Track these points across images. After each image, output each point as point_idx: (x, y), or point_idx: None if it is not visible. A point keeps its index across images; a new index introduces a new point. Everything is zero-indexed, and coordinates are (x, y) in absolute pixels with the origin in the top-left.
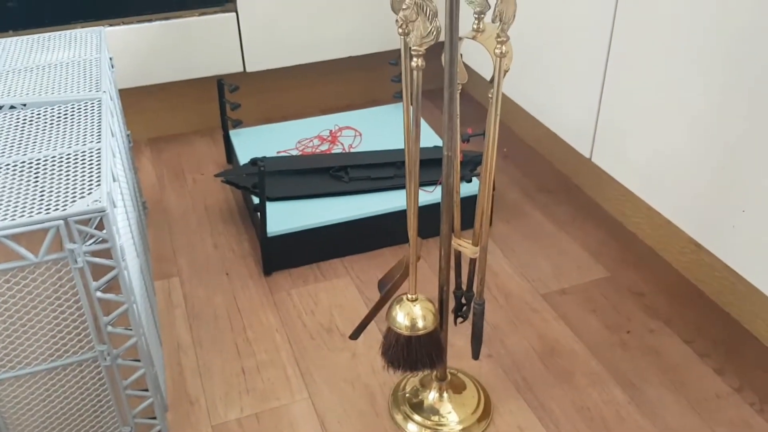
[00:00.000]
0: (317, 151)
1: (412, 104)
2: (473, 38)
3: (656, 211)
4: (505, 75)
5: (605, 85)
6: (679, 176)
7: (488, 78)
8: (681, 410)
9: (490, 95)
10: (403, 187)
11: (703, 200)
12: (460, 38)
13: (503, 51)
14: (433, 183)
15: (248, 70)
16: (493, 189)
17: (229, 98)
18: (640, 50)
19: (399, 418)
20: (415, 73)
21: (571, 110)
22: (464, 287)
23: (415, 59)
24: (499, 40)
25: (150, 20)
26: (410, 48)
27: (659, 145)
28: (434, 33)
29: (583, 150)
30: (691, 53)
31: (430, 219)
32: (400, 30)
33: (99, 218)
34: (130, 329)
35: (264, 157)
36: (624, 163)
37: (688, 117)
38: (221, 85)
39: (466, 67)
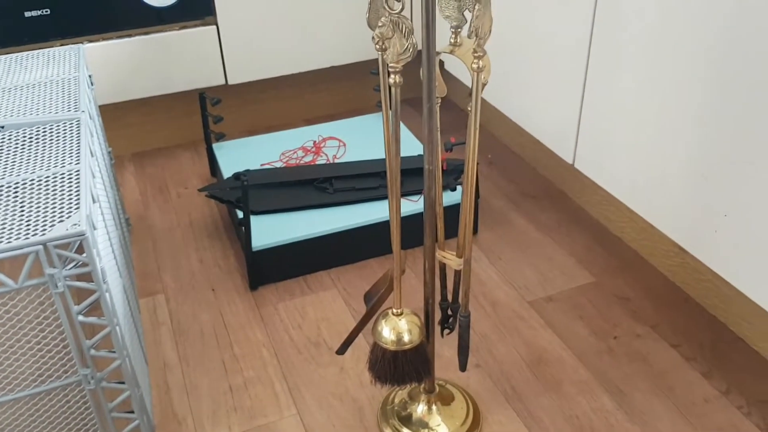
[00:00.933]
0: (301, 162)
1: (391, 118)
2: (450, 52)
3: (639, 215)
4: (483, 88)
5: (585, 91)
6: (660, 181)
7: (469, 86)
8: (670, 416)
9: (469, 108)
10: (387, 197)
11: (685, 204)
12: (438, 53)
13: (480, 66)
14: (418, 192)
15: (230, 82)
16: (478, 196)
17: (212, 111)
18: (619, 56)
19: (388, 431)
20: (393, 89)
21: (553, 117)
22: (450, 299)
23: (393, 76)
24: (475, 55)
25: (130, 35)
26: (388, 65)
27: (641, 150)
28: (411, 50)
29: (565, 156)
30: (671, 60)
31: (415, 229)
32: (377, 47)
33: (79, 242)
34: (114, 352)
35: (248, 170)
36: (606, 169)
37: (669, 122)
38: (203, 98)
39: (447, 74)
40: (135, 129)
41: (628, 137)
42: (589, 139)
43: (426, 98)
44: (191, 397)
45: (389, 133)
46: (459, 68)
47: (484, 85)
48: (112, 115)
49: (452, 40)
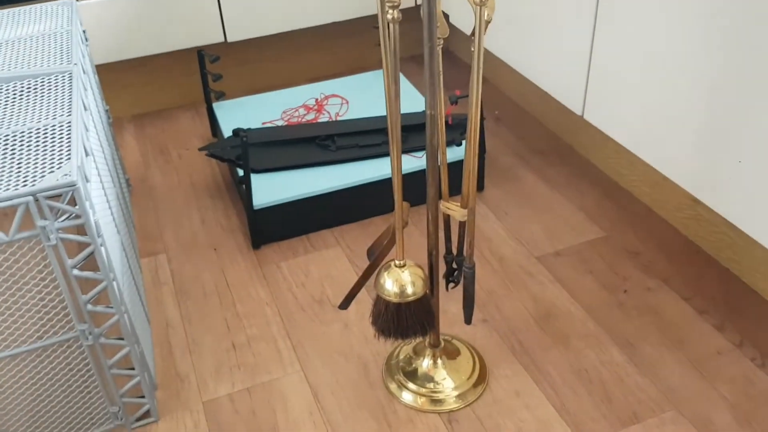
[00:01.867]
0: (303, 120)
1: (390, 59)
2: None
3: (652, 167)
4: (487, 26)
5: (595, 38)
6: (673, 130)
7: (470, 32)
8: (681, 368)
9: (472, 49)
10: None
11: (699, 153)
12: None
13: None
14: (422, 148)
15: (229, 40)
16: (484, 152)
17: (211, 69)
18: (629, 1)
19: (393, 387)
20: (392, 26)
21: (561, 67)
22: (455, 252)
23: (390, 11)
24: None
25: None
26: (386, 0)
27: (652, 98)
28: None
29: (574, 108)
30: (684, 3)
31: (419, 185)
32: None
33: (70, 193)
34: (112, 307)
35: (248, 129)
36: (617, 119)
37: (681, 68)
38: (201, 56)
39: (453, 28)
40: (134, 90)
41: (638, 86)
42: (599, 89)
43: (427, 38)
44: (194, 355)
45: (388, 74)
46: (461, 18)
47: (487, 23)
48: (111, 76)
49: None
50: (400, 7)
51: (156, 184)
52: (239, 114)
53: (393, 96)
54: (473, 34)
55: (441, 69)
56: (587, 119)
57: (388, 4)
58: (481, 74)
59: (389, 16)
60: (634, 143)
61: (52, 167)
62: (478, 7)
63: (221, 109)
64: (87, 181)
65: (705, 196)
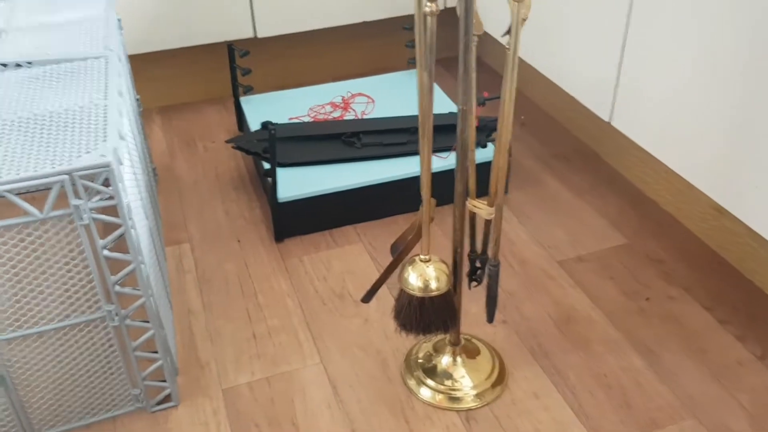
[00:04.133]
0: (329, 117)
1: (426, 53)
2: None
3: (677, 175)
4: (523, 24)
5: (626, 45)
6: (701, 137)
7: (504, 31)
8: (701, 377)
9: (507, 45)
10: (416, 153)
11: (725, 161)
12: None
13: None
14: (448, 149)
15: (259, 35)
16: (509, 155)
17: (240, 63)
18: (662, 8)
19: (412, 383)
20: (428, 19)
21: (591, 72)
22: (479, 250)
23: (428, 5)
24: None
25: None
26: None
27: (681, 105)
28: None
29: (602, 113)
30: (714, 11)
31: (444, 185)
32: None
33: (105, 174)
34: (139, 289)
35: (276, 123)
36: (644, 126)
37: (710, 76)
38: (231, 49)
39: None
40: (163, 83)
41: (667, 93)
42: (628, 96)
43: (463, 32)
44: (215, 343)
45: (422, 63)
46: (491, 24)
47: (524, 20)
48: (140, 67)
49: None
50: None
51: (181, 175)
52: (266, 109)
53: (426, 90)
54: (508, 32)
55: (475, 65)
56: (615, 125)
57: None
58: (516, 70)
59: (427, 9)
60: (660, 150)
61: (88, 148)
62: (516, 3)
63: (248, 103)
64: (120, 163)
65: (730, 205)
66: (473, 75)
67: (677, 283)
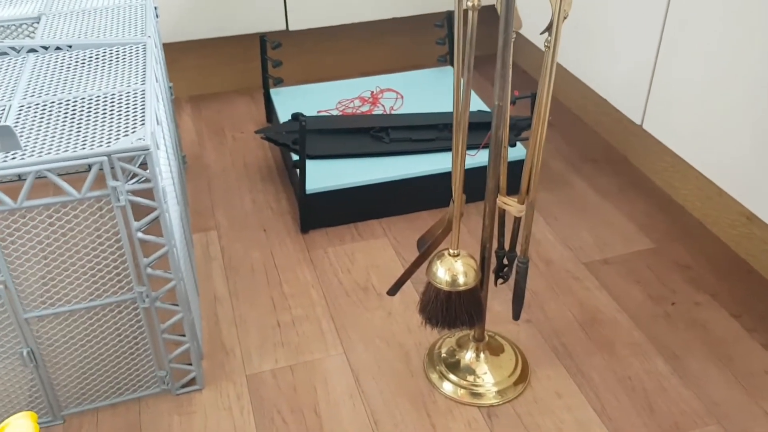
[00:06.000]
0: (358, 112)
1: (467, 48)
2: None
3: (707, 181)
4: (564, 20)
5: (661, 46)
6: (733, 142)
7: (543, 28)
8: (726, 384)
9: (546, 43)
10: (444, 149)
11: (758, 168)
12: None
13: None
14: (476, 147)
15: (291, 28)
16: None
17: (271, 55)
18: (699, 10)
19: (434, 377)
20: (470, 13)
21: (624, 75)
22: (507, 247)
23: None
24: None
25: None
26: None
27: (714, 109)
28: None
29: (633, 116)
30: (751, 16)
31: (471, 182)
32: None
33: (142, 157)
34: (170, 273)
35: (305, 116)
36: (676, 130)
37: (746, 81)
38: (264, 41)
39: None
40: (194, 72)
41: (700, 97)
42: (661, 99)
43: (503, 28)
44: (240, 329)
45: (461, 58)
46: (524, 24)
47: (564, 18)
48: (173, 56)
49: None
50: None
51: (210, 164)
52: (295, 101)
53: (465, 86)
54: (547, 29)
55: (511, 61)
56: (646, 128)
57: None
58: (554, 68)
59: (469, 3)
60: (691, 154)
61: (126, 131)
62: (558, 1)
63: (278, 95)
64: (158, 148)
65: (762, 212)
66: (510, 72)
67: (704, 289)
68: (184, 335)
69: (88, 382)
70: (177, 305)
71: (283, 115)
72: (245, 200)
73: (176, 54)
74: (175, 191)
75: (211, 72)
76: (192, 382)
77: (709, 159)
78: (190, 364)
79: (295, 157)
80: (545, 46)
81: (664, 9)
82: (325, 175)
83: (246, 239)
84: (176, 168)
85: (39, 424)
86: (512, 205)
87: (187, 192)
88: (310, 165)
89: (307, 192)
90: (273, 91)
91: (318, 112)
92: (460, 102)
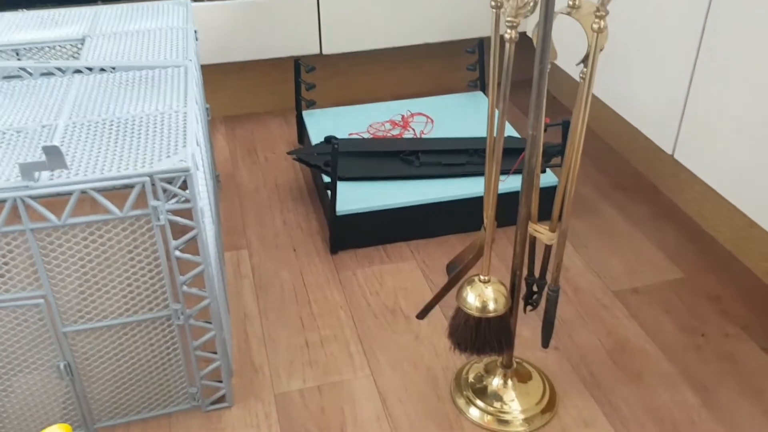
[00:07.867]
0: (389, 135)
1: (504, 78)
2: (568, 14)
3: (738, 212)
4: (600, 53)
5: (694, 77)
6: (766, 174)
7: (579, 60)
8: (758, 418)
9: (581, 74)
10: (473, 174)
11: None
12: (555, 13)
13: (601, 26)
14: (506, 172)
15: (325, 52)
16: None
17: (305, 78)
18: (732, 41)
19: (461, 402)
20: (507, 45)
21: (656, 104)
22: (537, 275)
23: (509, 30)
24: (598, 14)
25: None
26: (505, 20)
27: (747, 141)
28: (531, 4)
29: (665, 146)
30: None
31: (501, 208)
32: (493, 3)
33: (183, 178)
34: (204, 291)
35: (338, 139)
36: (708, 160)
37: None
38: (298, 64)
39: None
40: (228, 93)
41: (733, 128)
42: (692, 129)
43: (539, 59)
44: (269, 348)
45: (496, 88)
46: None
47: (600, 49)
48: (209, 77)
49: (570, 2)
50: (486, 34)
51: (242, 183)
52: (327, 123)
53: (501, 113)
54: (583, 61)
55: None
56: (677, 158)
57: (507, 24)
58: (589, 99)
59: (507, 36)
60: (723, 186)
61: (168, 152)
62: (595, 34)
63: (310, 117)
64: (197, 169)
65: None
66: (544, 101)
67: (734, 321)
68: (215, 353)
69: (120, 396)
70: (210, 323)
71: (315, 137)
72: (276, 220)
73: (212, 75)
74: (211, 210)
75: (245, 93)
76: (221, 399)
77: (741, 191)
78: (221, 381)
79: (326, 178)
80: (580, 77)
81: (698, 41)
82: (355, 197)
83: (276, 258)
84: (212, 187)
85: None
86: (544, 233)
87: (219, 210)
88: (342, 186)
89: (338, 213)
90: (305, 113)
91: (349, 134)
92: (494, 131)
